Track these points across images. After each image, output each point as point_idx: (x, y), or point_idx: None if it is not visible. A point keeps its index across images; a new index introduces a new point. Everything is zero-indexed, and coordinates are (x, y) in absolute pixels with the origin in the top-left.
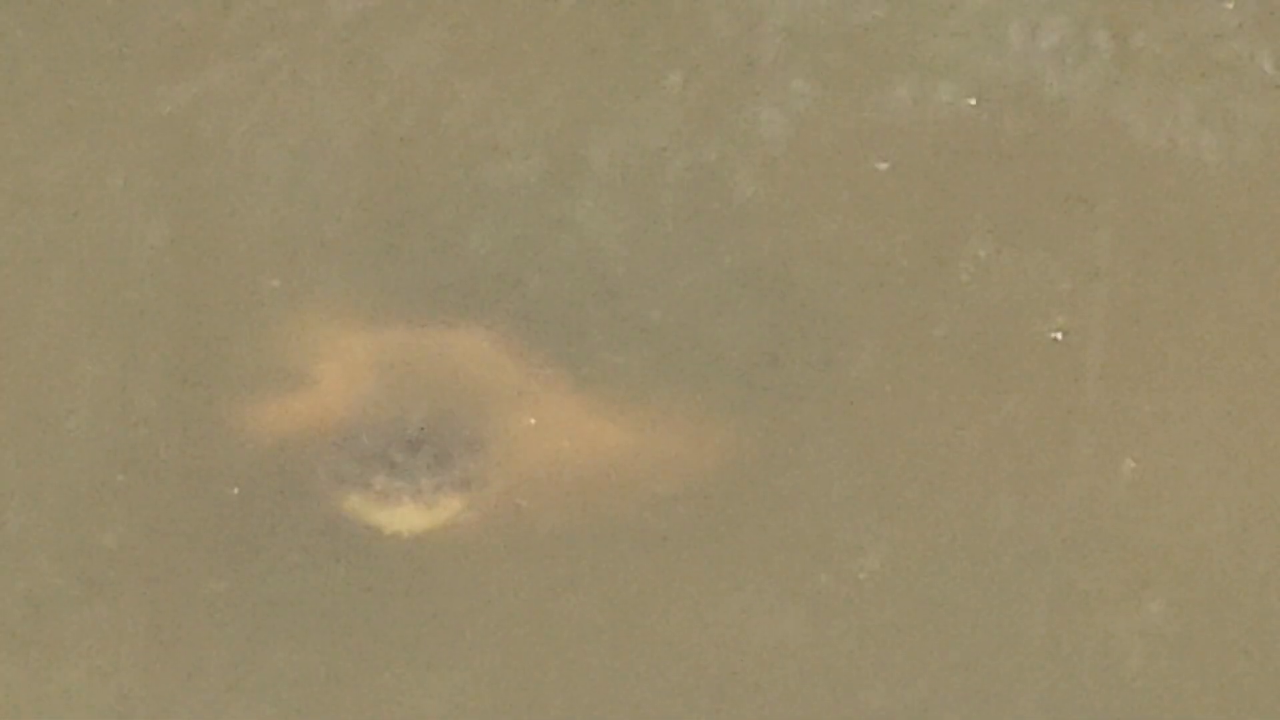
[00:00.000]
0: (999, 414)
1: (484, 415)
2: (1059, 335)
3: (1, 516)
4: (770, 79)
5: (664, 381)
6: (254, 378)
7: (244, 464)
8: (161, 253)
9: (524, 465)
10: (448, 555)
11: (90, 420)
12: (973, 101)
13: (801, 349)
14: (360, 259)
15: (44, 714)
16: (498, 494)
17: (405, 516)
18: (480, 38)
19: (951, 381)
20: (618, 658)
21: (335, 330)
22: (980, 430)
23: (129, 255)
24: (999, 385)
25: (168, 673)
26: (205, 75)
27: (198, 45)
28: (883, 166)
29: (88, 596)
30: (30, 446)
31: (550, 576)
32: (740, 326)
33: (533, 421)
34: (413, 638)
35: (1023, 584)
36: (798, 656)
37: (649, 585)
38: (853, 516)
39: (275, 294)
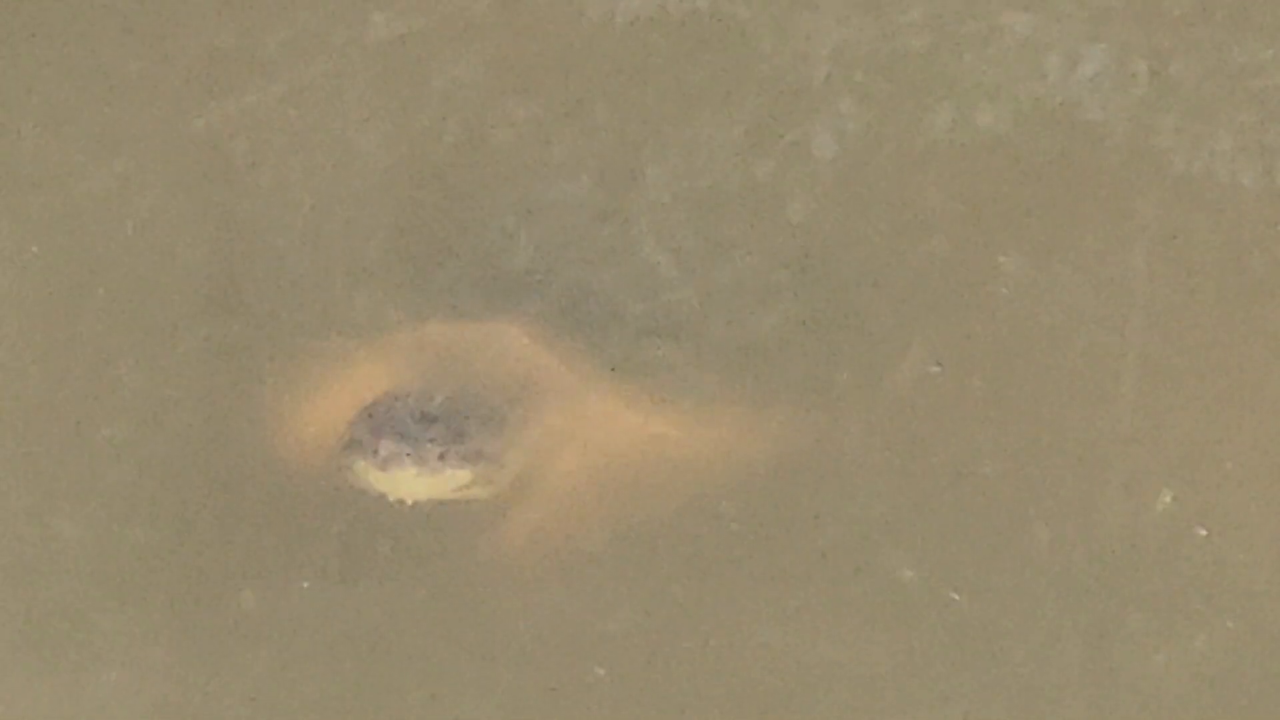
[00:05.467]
0: (1034, 432)
1: (512, 401)
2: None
3: (38, 526)
4: (820, 102)
5: (704, 375)
6: (287, 392)
7: (277, 472)
8: (198, 268)
9: (554, 455)
10: (483, 569)
11: (126, 431)
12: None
13: (842, 353)
14: (398, 268)
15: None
16: (531, 508)
17: (406, 482)
18: (527, 59)
19: (990, 396)
20: (652, 670)
21: (372, 336)
22: (1015, 449)
23: (166, 270)
24: (1035, 404)
25: (200, 678)
26: (243, 94)
27: (236, 65)
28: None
29: (121, 604)
30: (66, 458)
31: (586, 589)
32: (783, 320)
33: (568, 410)
34: (445, 651)
35: (1059, 609)
36: (836, 673)
37: (683, 594)
38: (892, 532)
39: (311, 307)
